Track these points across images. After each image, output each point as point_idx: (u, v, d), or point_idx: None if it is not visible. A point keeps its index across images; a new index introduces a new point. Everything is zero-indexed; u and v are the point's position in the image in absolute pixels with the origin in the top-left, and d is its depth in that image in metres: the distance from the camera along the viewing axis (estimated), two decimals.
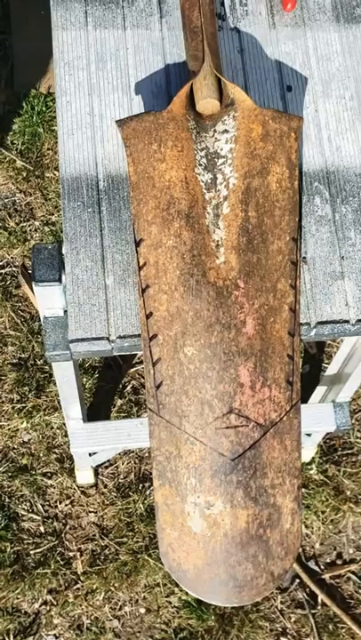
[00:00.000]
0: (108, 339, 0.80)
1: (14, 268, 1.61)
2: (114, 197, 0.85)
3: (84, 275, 0.82)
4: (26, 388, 1.53)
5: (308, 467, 1.55)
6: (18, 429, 1.52)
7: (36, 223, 1.64)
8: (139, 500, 1.48)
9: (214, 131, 0.83)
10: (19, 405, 1.52)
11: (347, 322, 0.84)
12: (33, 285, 0.81)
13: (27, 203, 1.65)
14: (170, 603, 1.46)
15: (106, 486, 1.50)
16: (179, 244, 0.79)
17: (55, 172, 1.67)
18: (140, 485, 1.50)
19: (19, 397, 1.53)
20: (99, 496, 1.50)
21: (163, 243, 0.79)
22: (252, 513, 0.78)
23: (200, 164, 0.81)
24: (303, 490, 1.54)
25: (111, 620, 1.45)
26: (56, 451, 1.51)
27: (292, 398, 0.81)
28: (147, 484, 1.50)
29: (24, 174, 1.66)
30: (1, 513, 1.46)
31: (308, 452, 1.52)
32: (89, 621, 1.44)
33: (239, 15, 0.94)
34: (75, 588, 1.45)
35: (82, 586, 1.45)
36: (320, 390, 1.38)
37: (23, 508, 1.48)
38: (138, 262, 0.80)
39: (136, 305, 0.81)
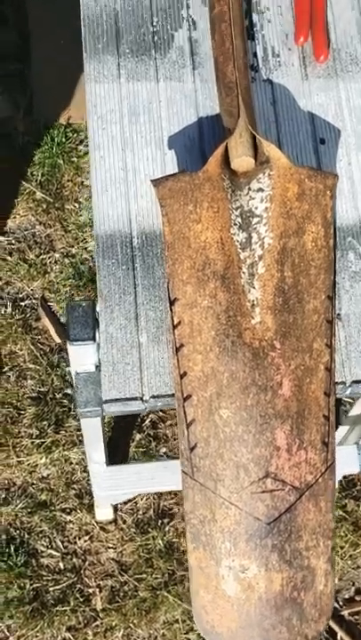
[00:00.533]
0: (141, 399, 0.80)
1: (34, 301, 1.60)
2: (147, 254, 0.84)
3: (118, 333, 0.82)
4: (45, 422, 1.53)
5: None
6: (37, 464, 1.51)
7: (56, 255, 1.64)
8: (158, 536, 1.47)
9: (249, 189, 0.82)
10: (38, 440, 1.51)
11: None
12: (67, 345, 0.80)
13: (47, 235, 1.65)
14: (189, 639, 1.45)
15: (125, 522, 1.49)
16: (214, 304, 0.78)
17: (75, 204, 1.66)
18: (160, 521, 1.49)
19: (38, 432, 1.52)
20: (118, 532, 1.49)
21: (198, 303, 0.79)
22: (287, 576, 0.78)
23: (235, 224, 0.80)
24: None
25: None
26: (75, 486, 1.50)
27: (328, 459, 0.80)
28: (165, 520, 1.49)
29: (44, 206, 1.66)
30: (20, 549, 1.45)
31: None
32: None
33: (272, 66, 0.94)
34: (94, 625, 1.44)
35: (101, 623, 1.44)
36: (342, 430, 1.37)
37: (42, 544, 1.47)
38: (172, 321, 0.79)
39: (170, 364, 0.80)
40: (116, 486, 1.18)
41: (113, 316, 0.82)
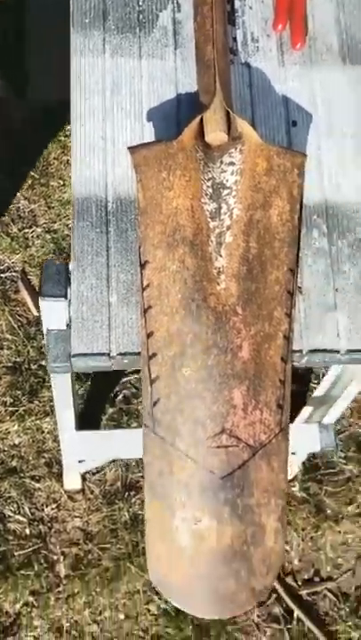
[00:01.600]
0: (108, 355, 0.84)
1: (14, 273, 1.64)
2: (121, 219, 0.88)
3: (88, 292, 0.85)
4: (19, 392, 1.56)
5: (291, 484, 1.59)
6: (9, 432, 1.54)
7: (38, 230, 1.67)
8: (124, 507, 1.51)
9: (221, 162, 0.87)
10: (11, 408, 1.55)
11: (337, 352, 0.88)
12: (39, 300, 0.84)
13: (30, 210, 1.68)
14: (149, 610, 1.49)
15: (92, 492, 1.53)
16: (182, 268, 0.82)
17: (60, 181, 1.70)
18: (126, 493, 1.53)
19: (12, 400, 1.56)
20: (85, 502, 1.53)
21: (167, 266, 0.83)
22: (238, 530, 0.82)
23: (206, 194, 0.85)
24: None
25: (90, 624, 1.47)
26: (45, 455, 1.54)
27: (282, 422, 0.84)
28: (132, 493, 1.53)
29: (29, 182, 1.69)
30: None
31: (292, 468, 1.55)
32: (68, 625, 1.47)
33: (250, 51, 0.98)
34: (57, 590, 1.47)
35: (64, 589, 1.47)
36: (307, 410, 1.42)
37: (10, 510, 1.50)
38: (142, 283, 0.83)
39: (137, 324, 0.84)
40: (84, 451, 1.22)
41: (85, 276, 0.86)
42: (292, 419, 1.57)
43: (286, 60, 0.99)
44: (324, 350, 0.88)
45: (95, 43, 0.96)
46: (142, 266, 0.83)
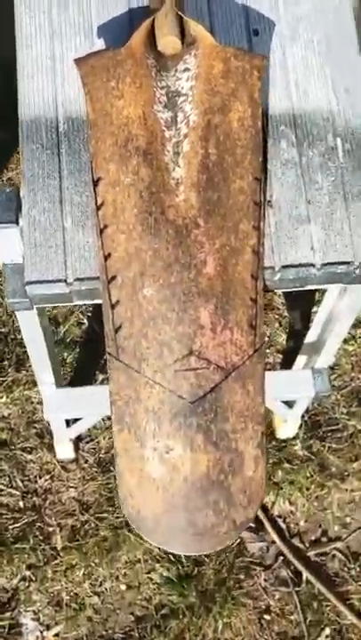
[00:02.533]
0: (65, 281, 0.78)
1: None
2: (74, 140, 0.83)
3: (41, 216, 0.80)
4: (5, 362, 1.52)
5: (293, 442, 1.53)
6: None
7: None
8: None
9: (176, 70, 0.81)
10: None
11: (312, 265, 0.82)
12: None
13: None
14: (151, 579, 1.43)
15: (87, 461, 1.48)
16: (136, 181, 0.77)
17: None
18: None
19: None
20: (79, 471, 1.47)
21: (121, 181, 0.77)
22: (213, 458, 0.76)
23: (160, 102, 0.79)
24: (287, 465, 1.51)
25: (91, 596, 1.42)
26: (36, 425, 1.49)
27: (256, 342, 0.78)
28: None
29: None
30: None
31: (292, 425, 1.49)
32: (68, 597, 1.41)
33: None
34: (54, 563, 1.42)
35: (61, 561, 1.42)
36: (301, 359, 1.36)
37: (2, 483, 1.45)
38: (96, 202, 0.78)
39: (95, 247, 0.79)
40: (66, 409, 1.16)
41: (36, 200, 0.81)
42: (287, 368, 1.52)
43: None
44: (299, 265, 0.82)
45: None
46: (95, 183, 0.78)
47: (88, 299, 0.81)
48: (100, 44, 0.87)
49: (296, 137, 0.86)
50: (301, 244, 0.82)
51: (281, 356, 1.61)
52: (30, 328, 0.96)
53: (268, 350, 1.61)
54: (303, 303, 1.65)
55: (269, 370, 1.56)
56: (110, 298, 0.77)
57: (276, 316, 1.64)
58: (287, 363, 1.56)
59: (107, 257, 0.77)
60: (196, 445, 0.76)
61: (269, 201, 0.83)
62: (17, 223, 0.80)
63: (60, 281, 0.78)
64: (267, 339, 1.62)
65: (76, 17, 0.88)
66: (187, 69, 0.80)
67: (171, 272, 0.76)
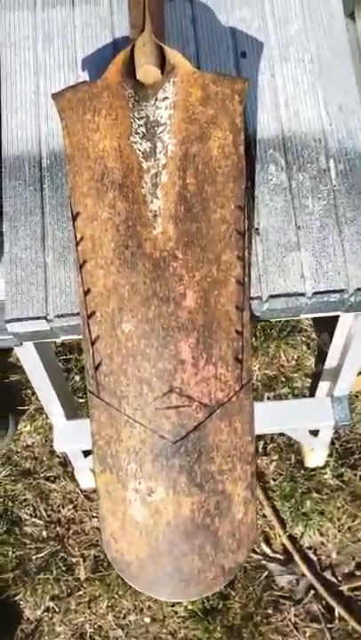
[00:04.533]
0: (46, 318, 0.77)
1: None
2: (56, 174, 0.82)
3: (22, 253, 0.79)
4: (28, 390, 1.52)
5: (322, 470, 1.47)
6: (21, 432, 1.50)
7: None
8: None
9: (155, 99, 0.79)
10: (21, 408, 1.51)
11: (302, 295, 0.78)
12: None
13: None
14: (176, 612, 1.39)
15: None
16: (113, 215, 0.75)
17: None
18: None
19: (21, 400, 1.51)
20: None
21: (98, 215, 0.76)
22: (198, 500, 0.73)
23: (137, 133, 0.77)
24: (316, 495, 1.45)
25: (115, 629, 1.39)
26: (59, 454, 1.49)
27: (242, 377, 0.75)
28: None
29: None
30: (4, 517, 1.44)
31: (321, 453, 1.43)
32: (92, 630, 1.39)
33: None
34: (77, 594, 1.41)
35: (85, 592, 1.40)
36: (324, 385, 1.30)
37: (26, 513, 1.45)
38: (75, 237, 0.76)
39: (75, 282, 0.77)
40: (76, 441, 1.15)
41: (18, 237, 0.80)
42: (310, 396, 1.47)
43: None
44: (287, 294, 0.78)
45: None
46: (74, 218, 0.77)
47: (74, 334, 0.80)
48: (84, 76, 0.86)
49: (286, 160, 0.82)
50: (291, 273, 0.78)
51: (310, 380, 1.55)
52: (29, 361, 0.96)
53: (295, 374, 1.56)
54: (333, 324, 1.60)
55: (296, 396, 1.51)
56: (90, 334, 0.75)
57: (304, 338, 1.59)
58: (316, 387, 1.50)
59: (86, 292, 0.76)
60: (179, 487, 0.73)
61: (257, 228, 0.80)
62: None
63: (40, 318, 0.77)
64: (293, 362, 1.57)
65: (60, 51, 0.88)
66: (166, 98, 0.79)
67: (149, 306, 0.74)
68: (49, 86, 0.86)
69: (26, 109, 0.85)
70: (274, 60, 0.87)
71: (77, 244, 0.76)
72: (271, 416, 1.15)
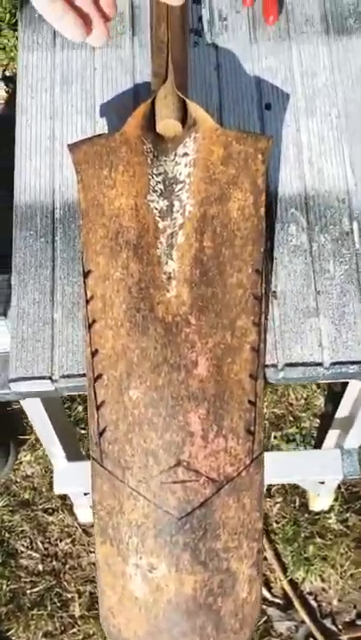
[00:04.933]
0: (50, 378, 0.74)
1: None
2: (69, 226, 0.79)
3: (30, 308, 0.76)
4: (29, 419, 1.49)
5: (327, 515, 1.43)
6: (21, 462, 1.47)
7: None
8: None
9: (175, 154, 0.76)
10: (21, 437, 1.48)
11: (320, 365, 0.75)
12: None
13: None
14: None
15: None
16: (126, 276, 0.72)
17: None
18: None
19: (22, 429, 1.49)
20: None
21: (110, 275, 0.73)
22: (201, 579, 0.70)
23: (155, 191, 0.74)
24: (320, 540, 1.42)
25: None
26: None
27: (254, 450, 0.72)
28: None
29: None
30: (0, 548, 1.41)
31: (326, 498, 1.40)
32: None
33: (218, 30, 0.88)
34: (71, 632, 1.38)
35: (79, 630, 1.37)
36: (333, 434, 1.27)
37: (22, 545, 1.42)
38: (85, 295, 0.73)
39: (83, 341, 0.74)
40: (76, 484, 1.12)
41: (27, 290, 0.77)
42: (318, 445, 1.43)
43: (259, 36, 0.87)
44: (304, 364, 0.74)
45: (45, 36, 0.88)
46: (85, 275, 0.74)
47: (75, 392, 0.77)
48: (102, 123, 0.83)
49: (308, 221, 0.79)
50: (308, 340, 0.75)
51: (318, 420, 1.52)
52: (32, 410, 0.93)
53: (303, 414, 1.52)
54: None
55: (304, 437, 1.48)
56: (96, 398, 0.72)
57: None
58: (324, 427, 1.47)
59: (94, 353, 0.73)
60: (181, 565, 0.69)
61: (274, 291, 0.77)
62: (5, 315, 0.76)
63: (45, 378, 0.74)
64: (302, 401, 1.53)
65: (78, 95, 0.85)
66: (186, 154, 0.75)
67: (158, 373, 0.71)
68: (65, 132, 0.83)
69: (40, 156, 0.82)
70: (299, 113, 0.84)
71: (87, 302, 0.73)
72: (278, 467, 1.12)
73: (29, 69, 0.86)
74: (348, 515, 1.43)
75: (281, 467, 1.13)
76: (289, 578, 1.40)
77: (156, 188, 0.74)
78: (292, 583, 1.40)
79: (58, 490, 1.15)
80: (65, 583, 1.41)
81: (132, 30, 0.88)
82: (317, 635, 1.36)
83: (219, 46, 0.87)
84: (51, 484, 1.46)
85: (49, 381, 0.74)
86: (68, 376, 0.74)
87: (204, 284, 0.72)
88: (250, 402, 0.72)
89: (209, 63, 0.86)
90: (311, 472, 1.15)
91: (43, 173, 0.81)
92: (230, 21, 0.88)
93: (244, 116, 0.83)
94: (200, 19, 0.88)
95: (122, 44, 0.87)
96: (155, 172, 0.75)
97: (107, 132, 0.83)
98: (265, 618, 1.38)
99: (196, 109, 0.76)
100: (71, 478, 1.12)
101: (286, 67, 0.86)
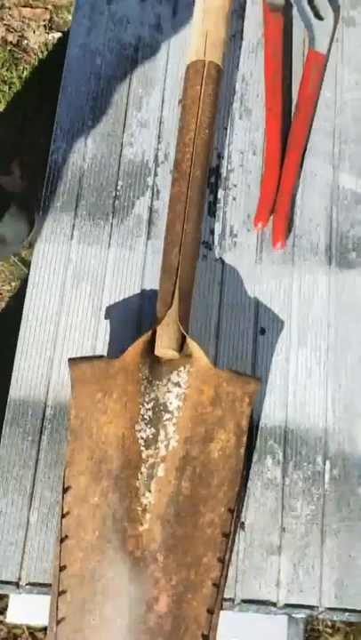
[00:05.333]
0: (17, 584, 0.77)
1: None
2: (57, 428, 0.83)
3: (8, 509, 0.80)
4: None
5: None
6: None
7: None
8: None
9: (168, 379, 0.80)
10: None
11: (274, 605, 0.78)
12: None
13: None
14: None
15: None
16: (103, 503, 0.76)
17: None
18: None
19: None
20: None
21: (88, 497, 0.76)
22: None
23: (143, 419, 0.78)
24: None
25: None
26: None
27: None
28: None
29: None
30: None
31: None
32: None
33: (227, 246, 0.92)
34: None
35: None
36: None
37: None
38: (62, 509, 0.77)
39: (53, 553, 0.77)
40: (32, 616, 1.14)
41: (8, 490, 0.80)
42: None
43: (265, 258, 0.92)
44: (260, 602, 0.78)
45: (63, 228, 0.92)
46: (65, 490, 0.77)
47: (45, 594, 0.80)
48: (105, 324, 0.87)
49: (284, 454, 0.83)
50: (267, 578, 0.79)
51: None
52: None
53: None
54: None
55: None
56: (57, 612, 0.75)
57: None
58: None
59: (62, 568, 0.76)
60: None
61: (243, 522, 0.81)
62: None
63: (12, 583, 0.77)
64: None
65: (87, 292, 0.89)
66: (178, 384, 0.79)
67: (119, 605, 0.74)
68: (68, 329, 0.87)
69: (40, 352, 0.86)
70: (291, 342, 0.88)
71: (63, 516, 0.77)
72: (226, 626, 1.14)
73: (44, 261, 0.90)
74: None
75: (228, 626, 1.15)
76: None
77: (145, 416, 0.78)
78: None
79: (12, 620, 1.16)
80: None
81: (148, 234, 0.92)
82: None
83: (225, 262, 0.91)
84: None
85: (15, 587, 0.77)
86: (34, 584, 0.77)
87: (176, 523, 0.75)
88: (203, 635, 0.75)
89: (214, 278, 0.90)
90: (256, 638, 1.18)
91: (40, 370, 0.85)
92: (240, 238, 0.92)
93: (240, 337, 0.87)
94: (212, 231, 0.92)
95: (136, 247, 0.91)
96: (146, 399, 0.79)
97: (109, 336, 0.86)
98: None
99: (192, 345, 0.80)
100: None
101: (286, 292, 0.90)
